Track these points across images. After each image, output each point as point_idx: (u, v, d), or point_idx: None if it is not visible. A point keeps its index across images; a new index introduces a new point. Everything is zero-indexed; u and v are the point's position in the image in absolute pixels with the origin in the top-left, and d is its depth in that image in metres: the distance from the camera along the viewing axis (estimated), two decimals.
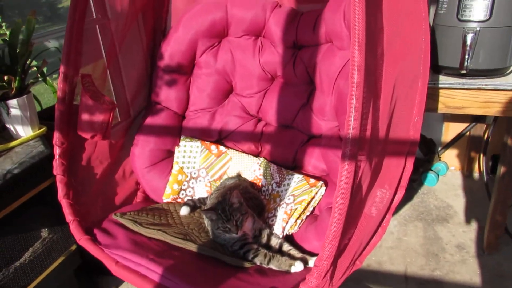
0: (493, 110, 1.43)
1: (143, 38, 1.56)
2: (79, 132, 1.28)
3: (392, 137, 0.98)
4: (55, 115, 1.23)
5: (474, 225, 1.83)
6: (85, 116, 1.28)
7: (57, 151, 1.23)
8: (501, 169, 1.52)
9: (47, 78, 1.62)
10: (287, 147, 1.46)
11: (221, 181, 1.46)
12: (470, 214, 1.90)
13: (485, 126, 2.01)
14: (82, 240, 1.17)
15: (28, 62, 1.38)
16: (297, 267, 1.08)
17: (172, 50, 1.50)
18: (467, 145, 2.14)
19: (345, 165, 0.76)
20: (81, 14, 1.25)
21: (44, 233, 1.43)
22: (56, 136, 1.23)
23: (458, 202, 1.99)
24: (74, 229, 1.18)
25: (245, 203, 1.22)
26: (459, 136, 2.11)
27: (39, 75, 1.50)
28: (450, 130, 2.15)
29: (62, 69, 1.23)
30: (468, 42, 1.32)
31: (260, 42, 1.51)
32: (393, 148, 1.01)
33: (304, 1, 1.52)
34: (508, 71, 1.41)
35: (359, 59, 0.75)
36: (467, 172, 2.18)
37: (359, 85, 0.75)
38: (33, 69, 1.48)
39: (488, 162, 1.86)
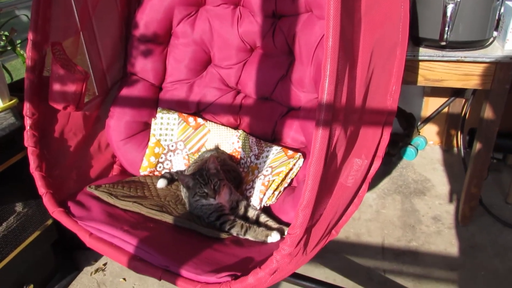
0: (472, 82, 1.44)
1: (118, 6, 1.49)
2: (51, 102, 1.23)
3: (369, 106, 0.97)
4: (24, 85, 1.18)
5: (450, 198, 1.86)
6: (56, 86, 1.23)
7: (27, 122, 1.19)
8: (477, 143, 1.54)
9: (18, 49, 1.56)
10: (266, 120, 1.44)
11: (199, 153, 1.44)
12: (447, 187, 1.94)
13: (463, 100, 2.03)
14: (55, 212, 1.15)
15: None
16: (274, 237, 1.08)
17: (147, 18, 1.45)
18: (446, 120, 2.16)
19: (319, 132, 0.75)
20: None
21: (19, 207, 1.40)
22: (26, 107, 1.19)
23: (435, 176, 2.02)
24: (47, 201, 1.16)
25: (223, 175, 1.21)
26: (439, 111, 2.13)
27: (8, 43, 1.44)
28: (430, 105, 2.16)
29: (30, 36, 1.18)
30: (448, 13, 1.31)
31: (238, 11, 1.46)
32: (370, 118, 1.00)
33: None
34: (488, 43, 1.41)
35: (334, 21, 0.73)
36: (445, 147, 2.21)
37: (334, 48, 0.73)
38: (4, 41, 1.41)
39: (465, 137, 1.88)
